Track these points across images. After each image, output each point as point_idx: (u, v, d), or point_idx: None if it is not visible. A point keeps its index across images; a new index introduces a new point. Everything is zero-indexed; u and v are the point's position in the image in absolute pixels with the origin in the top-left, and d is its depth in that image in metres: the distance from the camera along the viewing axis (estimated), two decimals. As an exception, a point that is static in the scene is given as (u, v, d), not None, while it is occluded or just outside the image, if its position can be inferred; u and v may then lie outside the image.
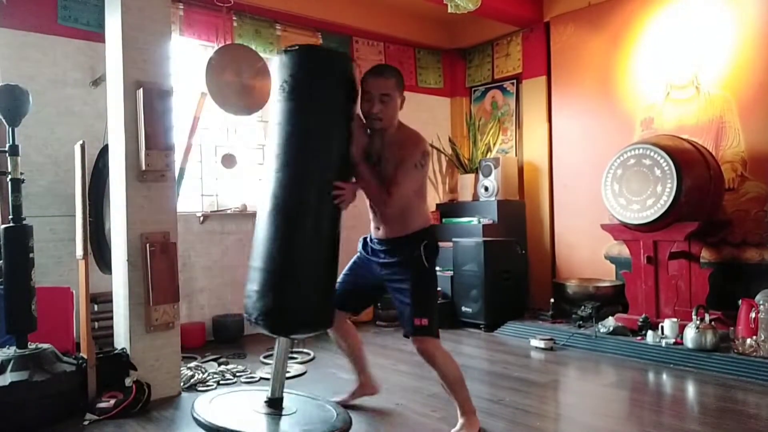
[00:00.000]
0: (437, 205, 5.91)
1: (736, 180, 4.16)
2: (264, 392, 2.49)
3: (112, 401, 2.75)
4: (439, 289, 4.94)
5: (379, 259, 2.51)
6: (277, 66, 2.33)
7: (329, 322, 2.41)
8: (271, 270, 2.22)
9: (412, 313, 2.36)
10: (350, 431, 2.40)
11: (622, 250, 4.52)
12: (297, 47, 2.32)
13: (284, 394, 2.48)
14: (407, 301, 2.39)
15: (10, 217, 2.80)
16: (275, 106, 2.32)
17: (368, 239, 2.60)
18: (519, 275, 5.04)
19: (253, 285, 2.26)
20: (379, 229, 2.49)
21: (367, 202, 2.50)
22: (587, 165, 4.97)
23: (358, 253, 2.66)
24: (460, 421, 2.45)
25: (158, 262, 2.96)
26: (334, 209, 2.32)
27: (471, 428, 2.43)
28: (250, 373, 3.42)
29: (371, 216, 2.52)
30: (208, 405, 2.49)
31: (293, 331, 2.36)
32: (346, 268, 2.67)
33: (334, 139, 2.29)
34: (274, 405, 2.41)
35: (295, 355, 3.85)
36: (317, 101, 2.28)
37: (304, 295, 2.24)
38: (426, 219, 2.51)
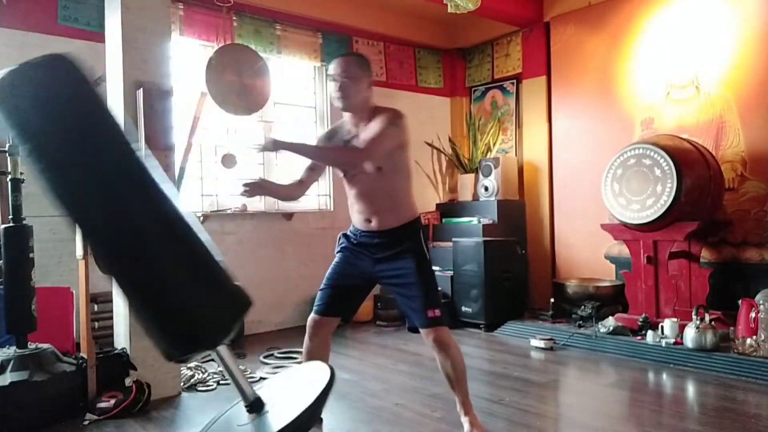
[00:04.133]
0: (437, 205, 5.91)
1: (736, 180, 4.16)
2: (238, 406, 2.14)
3: (112, 401, 2.75)
4: (438, 289, 4.96)
5: (373, 255, 2.36)
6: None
7: (241, 308, 1.93)
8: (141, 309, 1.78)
9: (424, 305, 2.29)
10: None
11: (622, 250, 4.52)
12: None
13: (261, 389, 2.16)
14: (416, 294, 2.30)
15: (10, 217, 2.80)
16: None
17: (352, 234, 2.43)
18: (519, 275, 5.04)
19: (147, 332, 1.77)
20: (370, 221, 2.35)
21: (350, 194, 2.39)
22: (587, 165, 4.97)
23: (341, 252, 2.47)
24: (467, 420, 2.39)
25: (158, 262, 2.95)
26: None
27: (479, 428, 2.38)
28: (250, 373, 3.42)
29: (358, 208, 2.37)
30: None
31: (215, 342, 1.91)
32: (329, 272, 2.47)
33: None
34: (256, 407, 2.10)
35: (295, 356, 3.85)
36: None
37: (194, 305, 1.80)
38: (416, 207, 2.44)
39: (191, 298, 1.80)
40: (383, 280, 2.41)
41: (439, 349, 2.34)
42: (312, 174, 2.46)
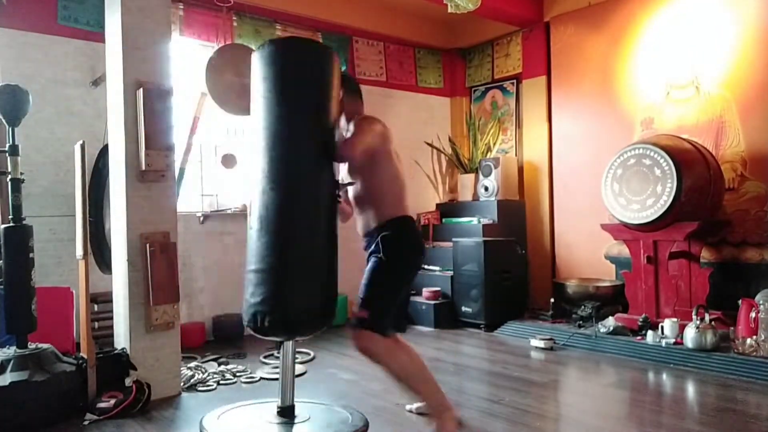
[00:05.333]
0: (437, 205, 5.91)
1: (736, 180, 4.16)
2: (272, 404, 2.41)
3: (112, 401, 2.75)
4: (438, 288, 4.97)
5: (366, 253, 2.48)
6: (259, 61, 2.35)
7: (332, 316, 2.31)
8: (268, 269, 2.14)
9: (359, 301, 2.30)
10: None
11: (622, 250, 4.52)
12: (280, 40, 2.32)
13: (300, 406, 2.41)
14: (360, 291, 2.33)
15: (10, 217, 2.80)
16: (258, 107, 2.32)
17: None
18: (519, 275, 5.04)
19: (251, 290, 2.18)
20: (359, 225, 2.49)
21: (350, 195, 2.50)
22: (587, 165, 4.97)
23: None
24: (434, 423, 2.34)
25: (158, 262, 2.96)
26: (330, 201, 2.29)
27: (444, 427, 2.30)
28: (250, 373, 3.42)
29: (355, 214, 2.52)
30: (216, 422, 2.41)
31: (298, 332, 2.28)
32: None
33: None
34: (286, 414, 2.33)
35: (295, 355, 3.85)
36: (302, 101, 2.24)
37: (305, 293, 2.16)
38: (395, 209, 2.40)
39: (311, 281, 2.15)
40: None
41: (358, 350, 2.28)
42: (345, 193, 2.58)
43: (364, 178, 2.40)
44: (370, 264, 2.35)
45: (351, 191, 2.47)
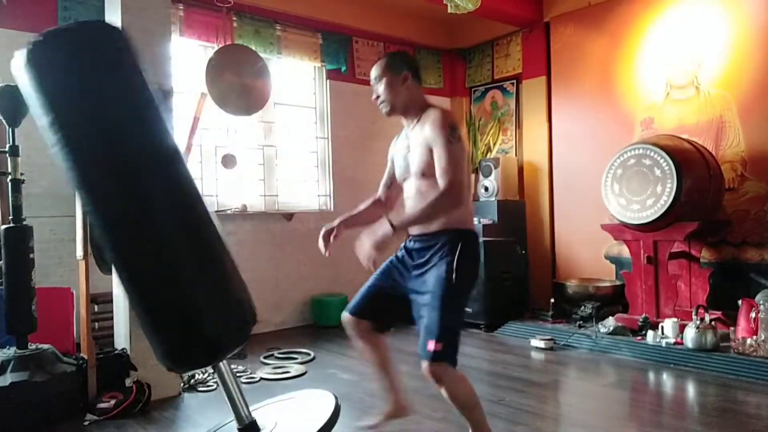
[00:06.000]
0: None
1: (736, 180, 4.17)
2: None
3: (113, 401, 2.75)
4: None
5: (412, 261, 2.20)
6: None
7: (248, 327, 1.95)
8: (148, 314, 1.68)
9: (426, 332, 2.03)
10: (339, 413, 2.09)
11: (622, 250, 4.52)
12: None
13: (258, 411, 2.14)
14: (424, 316, 2.06)
15: (11, 217, 2.80)
16: None
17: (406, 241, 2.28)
18: (519, 275, 5.04)
19: (149, 339, 1.71)
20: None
21: (405, 192, 2.23)
22: (587, 165, 4.97)
23: (396, 253, 2.30)
24: None
25: (158, 263, 2.95)
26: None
27: None
28: (250, 374, 3.42)
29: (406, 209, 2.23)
30: None
31: (218, 357, 1.88)
32: (378, 270, 2.28)
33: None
34: (250, 431, 2.03)
35: (295, 356, 3.85)
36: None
37: (180, 327, 1.69)
38: (468, 216, 2.19)
39: (202, 302, 1.67)
40: (411, 293, 2.18)
41: (433, 381, 2.08)
42: (390, 191, 2.37)
43: (432, 176, 2.07)
44: (435, 285, 2.05)
45: (413, 189, 2.16)
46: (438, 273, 2.06)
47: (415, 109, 2.18)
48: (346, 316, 2.32)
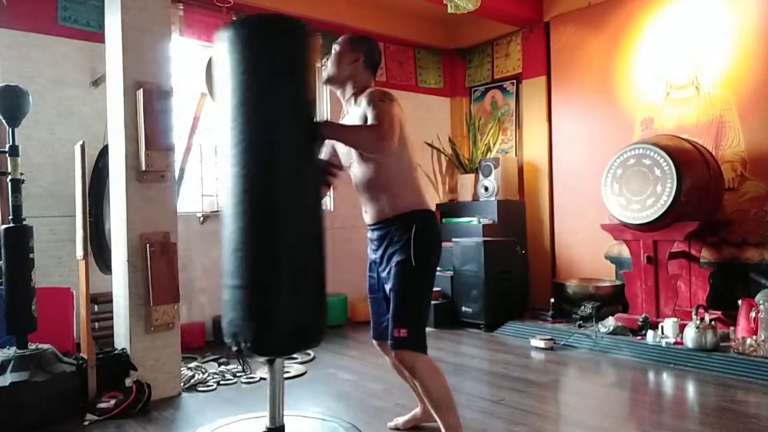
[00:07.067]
0: (437, 205, 5.90)
1: (736, 180, 4.17)
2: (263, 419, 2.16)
3: (113, 401, 2.75)
4: (438, 289, 4.96)
5: (374, 253, 2.22)
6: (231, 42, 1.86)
7: (322, 331, 1.99)
8: (248, 285, 1.80)
9: (393, 319, 2.05)
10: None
11: (622, 250, 4.52)
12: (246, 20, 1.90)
13: (286, 420, 2.15)
14: (391, 302, 2.09)
15: (10, 217, 2.80)
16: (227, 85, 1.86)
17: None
18: (519, 275, 5.04)
19: (231, 307, 1.85)
20: (367, 212, 2.19)
21: (353, 180, 2.20)
22: (587, 165, 4.97)
23: (369, 256, 2.30)
24: None
25: (158, 263, 2.96)
26: (316, 198, 1.97)
27: None
28: (250, 374, 3.42)
29: (360, 200, 2.21)
30: None
31: (287, 350, 2.02)
32: (367, 281, 2.34)
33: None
34: None
35: (295, 356, 3.85)
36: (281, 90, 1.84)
37: (292, 306, 1.83)
38: (419, 198, 2.16)
39: (306, 299, 1.84)
40: (387, 287, 2.17)
41: (404, 369, 2.12)
42: (332, 158, 2.32)
43: (381, 161, 2.09)
44: (395, 270, 2.06)
45: (359, 174, 2.17)
46: (398, 259, 2.07)
47: (354, 87, 2.23)
48: (374, 343, 2.41)
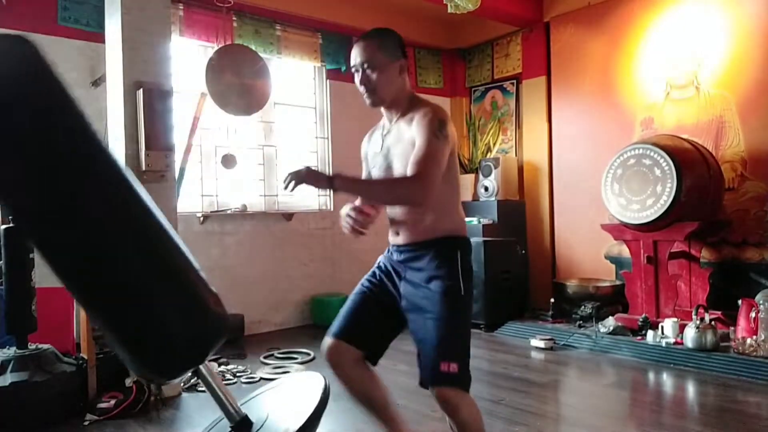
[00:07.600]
0: (437, 205, 5.90)
1: (736, 180, 4.17)
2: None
3: (113, 401, 2.75)
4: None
5: (399, 275, 1.93)
6: None
7: (220, 330, 1.64)
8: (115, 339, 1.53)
9: (438, 353, 1.75)
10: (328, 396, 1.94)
11: (622, 250, 4.52)
12: None
13: (248, 404, 2.04)
14: (431, 336, 1.78)
15: (10, 217, 2.80)
16: None
17: (388, 250, 2.01)
18: (519, 275, 5.04)
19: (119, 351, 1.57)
20: (398, 233, 1.91)
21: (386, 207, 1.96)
22: (587, 165, 4.97)
23: (378, 264, 2.03)
24: None
25: (158, 263, 2.95)
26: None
27: None
28: (250, 374, 3.42)
29: (389, 218, 1.95)
30: None
31: (186, 364, 1.71)
32: (359, 284, 2.03)
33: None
34: (243, 427, 1.91)
35: (295, 356, 3.86)
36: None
37: (158, 332, 1.55)
38: (461, 222, 1.92)
39: (165, 313, 1.55)
40: (403, 310, 1.90)
41: (445, 410, 1.83)
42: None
43: None
44: (441, 297, 1.78)
45: None
46: (442, 286, 1.79)
47: (403, 100, 1.89)
48: (327, 342, 1.97)
